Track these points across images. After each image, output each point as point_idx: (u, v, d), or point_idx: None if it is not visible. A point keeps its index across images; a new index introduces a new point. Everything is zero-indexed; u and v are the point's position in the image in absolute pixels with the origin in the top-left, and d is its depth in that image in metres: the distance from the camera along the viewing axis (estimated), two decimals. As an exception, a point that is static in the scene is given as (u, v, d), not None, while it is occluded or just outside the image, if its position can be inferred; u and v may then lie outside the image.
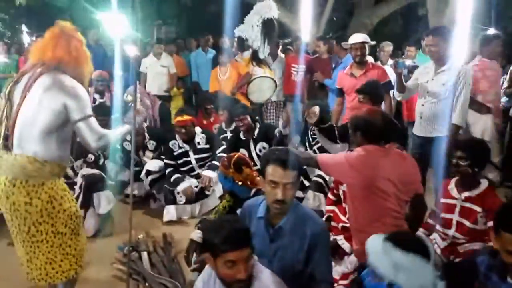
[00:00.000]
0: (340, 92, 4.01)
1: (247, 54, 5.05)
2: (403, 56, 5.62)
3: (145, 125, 4.28)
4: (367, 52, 3.86)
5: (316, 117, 3.24)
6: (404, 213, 2.23)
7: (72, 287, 2.22)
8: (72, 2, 8.52)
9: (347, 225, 2.78)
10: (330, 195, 3.02)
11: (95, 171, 3.50)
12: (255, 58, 4.92)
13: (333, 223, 2.87)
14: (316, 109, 3.25)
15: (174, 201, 3.72)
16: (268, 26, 4.71)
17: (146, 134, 4.19)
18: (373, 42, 3.92)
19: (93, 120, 2.04)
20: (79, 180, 3.35)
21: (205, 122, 4.75)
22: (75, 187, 3.38)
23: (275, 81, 4.89)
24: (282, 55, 5.69)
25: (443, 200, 2.57)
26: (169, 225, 3.63)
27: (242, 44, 5.07)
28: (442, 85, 3.22)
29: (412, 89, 3.52)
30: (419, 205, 2.31)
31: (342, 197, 2.86)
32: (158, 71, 5.88)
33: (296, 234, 1.83)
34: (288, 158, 1.81)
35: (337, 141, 3.38)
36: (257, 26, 4.65)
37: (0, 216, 2.19)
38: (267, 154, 1.89)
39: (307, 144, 3.86)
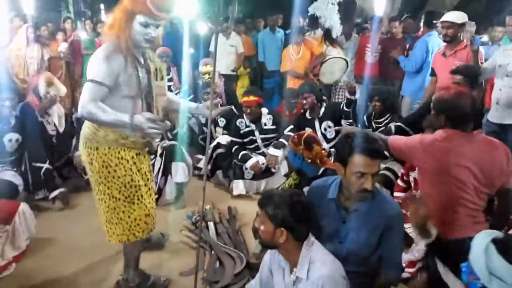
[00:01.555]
0: (434, 72, 3.86)
1: (318, 33, 4.92)
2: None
3: (219, 101, 4.38)
4: (457, 32, 3.58)
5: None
6: (482, 205, 2.08)
7: (136, 251, 2.31)
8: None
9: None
10: (399, 182, 2.91)
11: (174, 142, 3.69)
12: (328, 37, 4.78)
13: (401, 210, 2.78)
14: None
15: (242, 176, 3.84)
16: (348, 6, 4.54)
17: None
18: (462, 21, 3.59)
19: (90, 86, 1.93)
20: (159, 151, 3.56)
21: (287, 113, 4.75)
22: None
23: (347, 62, 4.75)
24: (356, 35, 5.48)
25: None
26: (234, 199, 3.75)
27: (314, 22, 4.93)
28: None
29: (489, 71, 3.29)
30: (506, 200, 2.12)
31: (412, 184, 2.75)
32: (227, 50, 5.94)
33: (371, 217, 1.77)
34: (376, 147, 1.71)
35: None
36: (333, 4, 4.49)
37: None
38: (350, 142, 1.73)
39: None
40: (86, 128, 2.10)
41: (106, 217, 2.19)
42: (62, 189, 3.44)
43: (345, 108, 3.75)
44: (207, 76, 4.64)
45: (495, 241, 1.30)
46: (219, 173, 4.10)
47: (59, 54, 5.28)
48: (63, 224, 3.20)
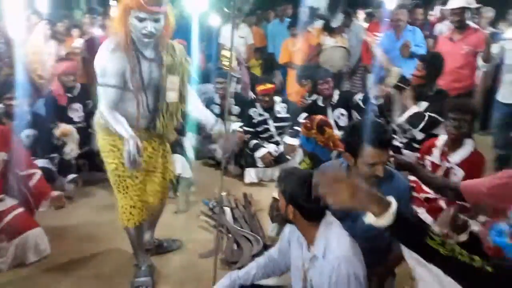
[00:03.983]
0: None
1: (320, 24, 4.94)
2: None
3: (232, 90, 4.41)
4: (467, 16, 3.65)
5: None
6: None
7: (132, 237, 2.35)
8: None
9: (431, 196, 2.70)
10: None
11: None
12: (327, 27, 4.79)
13: (415, 194, 2.80)
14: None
15: (254, 165, 3.90)
16: None
17: (231, 99, 4.33)
18: (475, 5, 3.64)
19: (103, 90, 2.08)
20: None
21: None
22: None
23: (348, 50, 4.74)
24: (359, 23, 5.46)
25: None
26: (248, 187, 3.80)
27: (314, 13, 4.96)
28: None
29: (496, 58, 3.39)
30: None
31: (429, 168, 2.77)
32: (236, 42, 5.97)
33: (380, 192, 1.81)
34: (386, 137, 1.74)
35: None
36: None
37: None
38: (360, 133, 1.74)
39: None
40: (96, 114, 2.29)
41: None
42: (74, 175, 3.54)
43: (360, 104, 3.73)
44: (225, 59, 4.65)
45: None
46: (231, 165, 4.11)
47: (74, 50, 5.38)
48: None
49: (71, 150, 3.55)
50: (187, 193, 3.40)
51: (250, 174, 3.89)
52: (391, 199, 1.14)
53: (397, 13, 4.30)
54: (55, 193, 2.69)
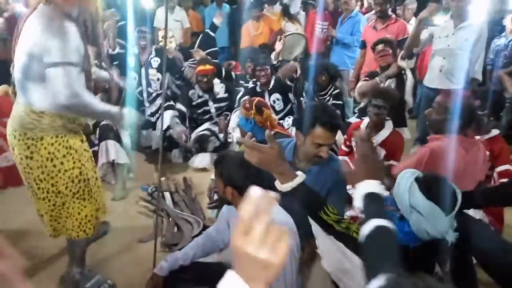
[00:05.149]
0: (364, 45, 4.17)
1: (277, 8, 4.96)
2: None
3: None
4: (387, 7, 3.99)
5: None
6: None
7: (80, 248, 2.10)
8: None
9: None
10: (343, 147, 3.16)
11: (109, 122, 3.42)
12: (286, 13, 4.83)
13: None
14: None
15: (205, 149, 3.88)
16: None
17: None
18: None
19: (74, 71, 1.68)
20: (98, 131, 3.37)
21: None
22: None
23: (306, 38, 4.84)
24: (302, 12, 5.59)
25: None
26: (188, 172, 3.75)
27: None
28: (465, 40, 3.29)
29: (424, 44, 3.65)
30: None
31: (355, 148, 3.00)
32: (172, 25, 5.84)
33: (321, 176, 1.90)
34: (337, 121, 1.86)
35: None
36: None
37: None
38: (315, 114, 1.82)
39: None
40: (24, 116, 1.76)
41: (50, 216, 1.95)
42: None
43: (288, 83, 3.87)
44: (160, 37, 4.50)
45: (417, 179, 1.41)
46: (174, 152, 4.00)
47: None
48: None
49: None
50: (123, 179, 3.31)
51: (204, 159, 3.83)
52: (300, 174, 1.31)
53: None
54: None
